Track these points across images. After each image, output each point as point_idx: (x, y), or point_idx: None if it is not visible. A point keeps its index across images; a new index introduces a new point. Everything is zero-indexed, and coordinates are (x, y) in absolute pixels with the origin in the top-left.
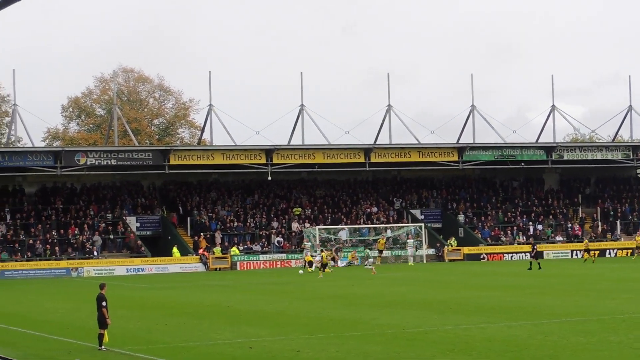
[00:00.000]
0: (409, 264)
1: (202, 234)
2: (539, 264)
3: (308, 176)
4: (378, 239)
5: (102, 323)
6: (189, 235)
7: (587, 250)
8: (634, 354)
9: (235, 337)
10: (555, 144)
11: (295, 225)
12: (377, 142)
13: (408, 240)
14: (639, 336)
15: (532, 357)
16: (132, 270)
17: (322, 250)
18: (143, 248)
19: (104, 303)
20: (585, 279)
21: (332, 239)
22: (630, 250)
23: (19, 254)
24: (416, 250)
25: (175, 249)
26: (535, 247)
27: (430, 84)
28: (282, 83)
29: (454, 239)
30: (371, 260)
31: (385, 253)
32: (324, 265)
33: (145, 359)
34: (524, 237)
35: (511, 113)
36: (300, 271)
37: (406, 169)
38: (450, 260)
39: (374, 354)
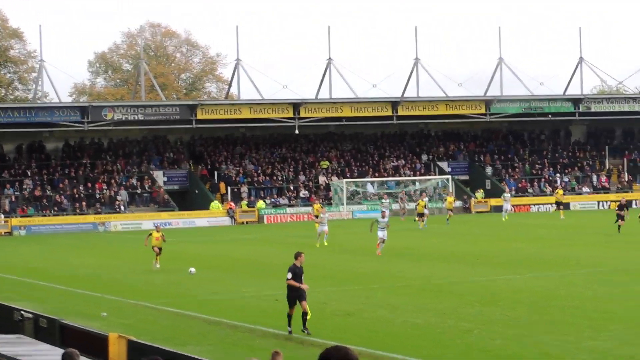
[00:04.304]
0: (505, 219)
1: (223, 183)
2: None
3: (335, 130)
4: (418, 200)
5: (289, 300)
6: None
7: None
8: None
9: (262, 290)
10: (582, 96)
11: (322, 179)
12: (404, 96)
13: (505, 194)
14: None
15: (558, 307)
16: (159, 224)
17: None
18: (170, 202)
19: (289, 275)
20: (612, 230)
21: (360, 192)
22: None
23: (47, 210)
24: (443, 203)
25: (214, 203)
26: (622, 205)
27: (458, 37)
28: (310, 37)
29: (481, 191)
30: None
31: (413, 206)
32: (420, 214)
33: (173, 312)
34: (551, 189)
35: (539, 66)
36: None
37: (434, 122)
38: (477, 212)
39: (401, 306)
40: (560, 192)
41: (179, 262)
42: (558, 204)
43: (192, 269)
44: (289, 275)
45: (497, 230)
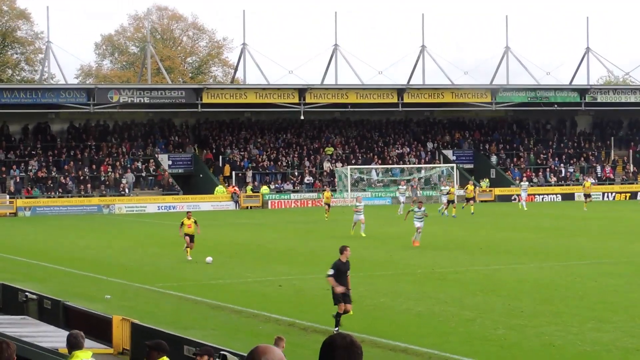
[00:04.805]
0: (524, 208)
1: (227, 165)
2: None
3: (340, 116)
4: (447, 189)
5: (335, 298)
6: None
7: None
8: None
9: (265, 275)
10: (588, 86)
11: (326, 165)
12: (410, 83)
13: (522, 183)
14: None
15: (560, 297)
16: (163, 207)
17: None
18: (175, 186)
19: (330, 272)
20: (616, 222)
21: (364, 179)
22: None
23: (52, 191)
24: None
25: (219, 188)
26: None
27: (464, 25)
28: (316, 22)
29: (486, 180)
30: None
31: (418, 193)
32: (451, 202)
33: (175, 296)
34: (555, 179)
35: (546, 55)
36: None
37: (439, 110)
38: (481, 201)
39: (404, 293)
40: (588, 183)
41: (181, 246)
42: (586, 196)
43: (209, 258)
44: (330, 272)
45: (501, 220)
